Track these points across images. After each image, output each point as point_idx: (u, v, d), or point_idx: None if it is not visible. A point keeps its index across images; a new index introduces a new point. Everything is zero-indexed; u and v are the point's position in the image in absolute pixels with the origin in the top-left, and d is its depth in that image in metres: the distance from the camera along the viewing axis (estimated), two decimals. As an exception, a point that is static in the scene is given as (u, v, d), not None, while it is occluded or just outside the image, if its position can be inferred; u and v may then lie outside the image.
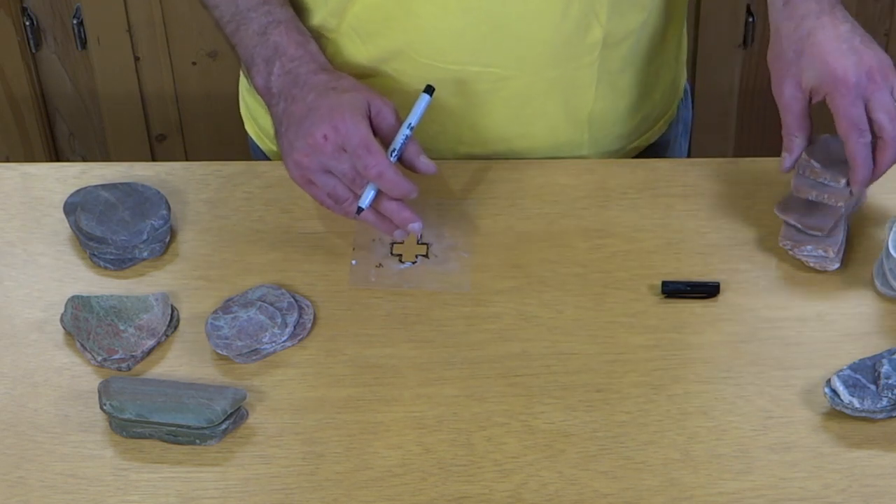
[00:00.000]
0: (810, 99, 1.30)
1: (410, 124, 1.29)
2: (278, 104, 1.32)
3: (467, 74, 1.38)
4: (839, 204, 1.31)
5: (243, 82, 1.57)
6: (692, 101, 2.47)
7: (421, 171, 1.30)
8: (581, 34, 1.38)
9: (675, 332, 1.27)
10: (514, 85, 1.39)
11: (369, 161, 1.25)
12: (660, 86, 1.50)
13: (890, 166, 1.29)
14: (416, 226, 1.29)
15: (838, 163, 1.30)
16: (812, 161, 1.31)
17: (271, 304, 1.28)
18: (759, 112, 2.48)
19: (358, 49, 1.40)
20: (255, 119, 1.55)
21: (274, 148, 1.54)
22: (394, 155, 1.28)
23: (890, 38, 2.37)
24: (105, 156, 2.53)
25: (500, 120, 1.42)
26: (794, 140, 1.31)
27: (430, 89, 1.31)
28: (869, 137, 1.27)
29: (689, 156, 2.54)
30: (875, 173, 1.29)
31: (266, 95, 1.34)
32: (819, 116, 1.33)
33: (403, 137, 1.28)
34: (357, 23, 1.38)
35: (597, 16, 1.37)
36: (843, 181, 1.30)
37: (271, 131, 1.52)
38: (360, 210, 1.28)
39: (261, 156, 1.57)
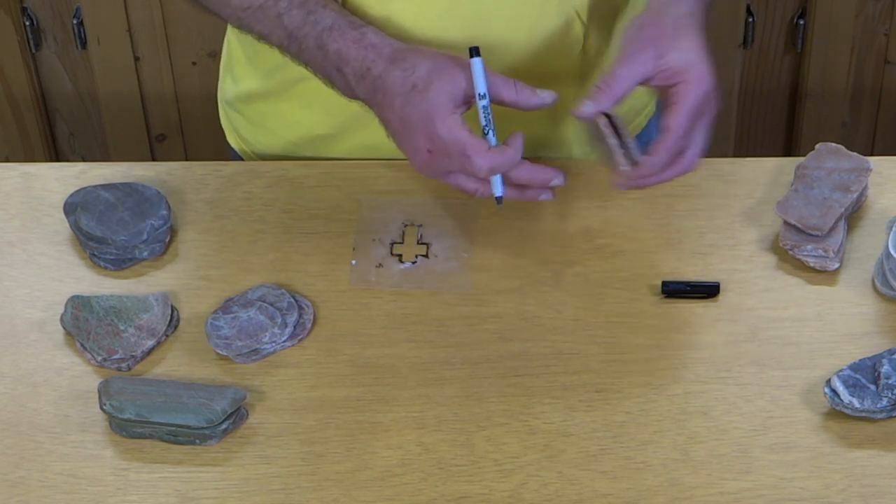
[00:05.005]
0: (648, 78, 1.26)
1: (480, 94, 1.24)
2: (372, 110, 1.29)
3: None
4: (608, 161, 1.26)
5: (222, 94, 1.54)
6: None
7: (548, 105, 1.26)
8: (562, 33, 1.37)
9: (675, 332, 1.27)
10: None
11: (474, 164, 1.23)
12: None
13: (661, 180, 1.27)
14: (557, 181, 1.26)
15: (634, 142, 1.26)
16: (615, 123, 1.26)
17: (271, 304, 1.28)
18: (759, 112, 2.48)
19: None
20: (237, 130, 1.53)
21: (254, 155, 1.53)
22: (490, 134, 1.25)
23: (890, 38, 2.37)
24: (105, 156, 2.53)
25: None
26: (608, 92, 1.24)
27: (474, 51, 1.25)
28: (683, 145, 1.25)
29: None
30: (647, 178, 1.26)
31: (359, 101, 1.31)
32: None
33: (483, 111, 1.24)
34: None
35: (578, 15, 1.37)
36: (626, 160, 1.25)
37: (253, 141, 1.51)
38: (499, 199, 1.26)
39: None
